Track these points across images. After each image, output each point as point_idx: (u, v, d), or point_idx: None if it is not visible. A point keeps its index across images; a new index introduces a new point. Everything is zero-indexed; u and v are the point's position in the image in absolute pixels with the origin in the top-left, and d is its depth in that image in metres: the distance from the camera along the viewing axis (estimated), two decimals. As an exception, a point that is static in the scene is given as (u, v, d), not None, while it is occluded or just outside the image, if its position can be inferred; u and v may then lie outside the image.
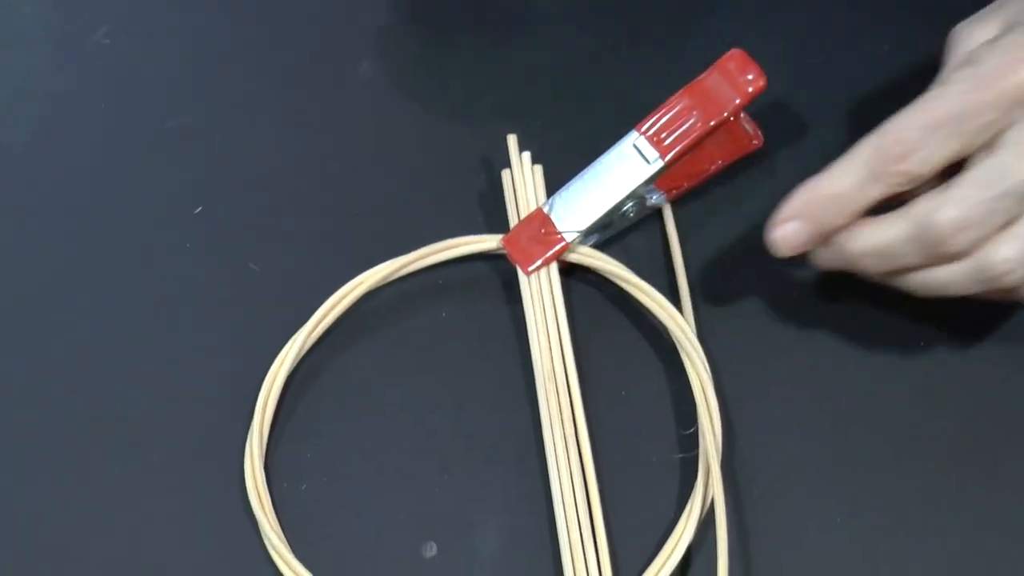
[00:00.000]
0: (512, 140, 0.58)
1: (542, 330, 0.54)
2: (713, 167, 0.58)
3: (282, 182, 0.61)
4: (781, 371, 0.54)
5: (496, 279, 0.57)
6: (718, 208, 0.58)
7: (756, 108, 0.57)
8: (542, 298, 0.55)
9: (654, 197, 0.57)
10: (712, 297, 0.55)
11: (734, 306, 0.55)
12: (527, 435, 0.53)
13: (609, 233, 0.57)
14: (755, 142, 0.58)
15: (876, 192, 0.48)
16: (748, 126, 0.58)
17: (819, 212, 0.49)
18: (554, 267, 0.55)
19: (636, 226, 0.57)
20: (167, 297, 0.58)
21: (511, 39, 0.64)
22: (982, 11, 0.51)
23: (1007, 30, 0.48)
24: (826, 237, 0.50)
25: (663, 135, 0.55)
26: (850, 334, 0.54)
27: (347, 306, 0.56)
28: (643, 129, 0.55)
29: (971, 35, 0.50)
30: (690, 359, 0.53)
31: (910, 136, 0.47)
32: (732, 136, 0.58)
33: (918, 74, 0.52)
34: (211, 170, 0.61)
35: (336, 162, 0.61)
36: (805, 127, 0.59)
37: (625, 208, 0.56)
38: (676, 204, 0.58)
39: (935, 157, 0.47)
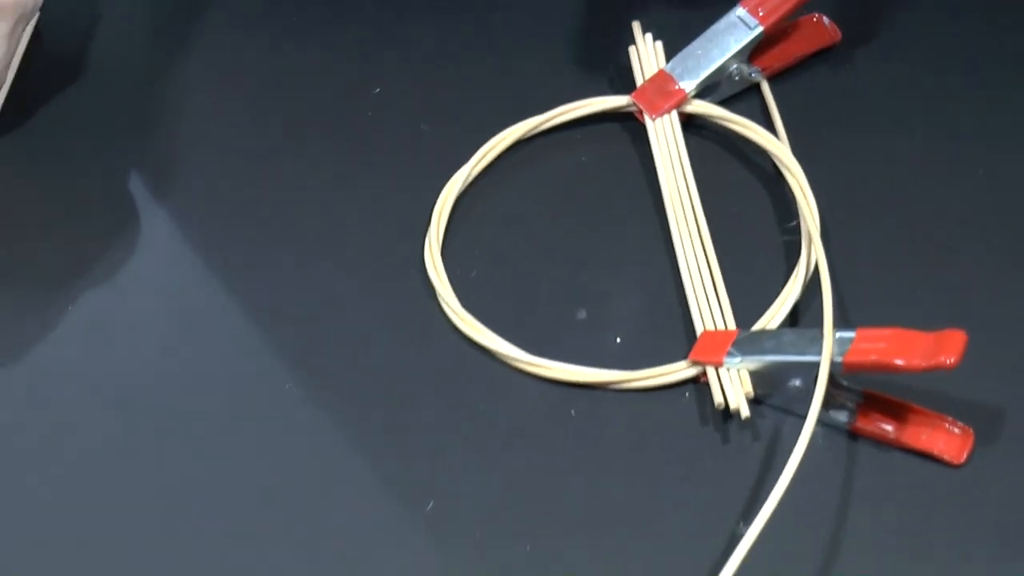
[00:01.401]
0: (636, 24, 0.71)
1: (667, 162, 0.66)
2: (799, 54, 0.71)
3: (446, 61, 0.74)
4: (865, 188, 0.65)
5: (625, 135, 0.69)
6: (806, 86, 0.70)
7: (836, 10, 0.71)
8: (667, 139, 0.67)
9: (754, 73, 0.69)
10: (802, 146, 0.67)
11: (821, 149, 0.67)
12: (656, 237, 0.64)
13: (718, 97, 0.69)
14: (834, 37, 0.71)
15: None
16: (828, 24, 0.71)
17: None
18: (675, 115, 0.68)
19: (740, 96, 0.70)
20: (367, 145, 0.71)
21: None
22: None
23: None
24: None
25: (760, 8, 0.68)
26: (922, 163, 0.66)
27: (503, 148, 0.68)
28: (746, 3, 0.68)
29: None
30: (788, 168, 0.64)
31: None
32: (815, 31, 0.71)
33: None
34: (387, 55, 0.75)
35: (490, 45, 0.75)
36: (878, 24, 0.72)
37: (731, 69, 0.68)
38: (771, 81, 0.70)
39: None
